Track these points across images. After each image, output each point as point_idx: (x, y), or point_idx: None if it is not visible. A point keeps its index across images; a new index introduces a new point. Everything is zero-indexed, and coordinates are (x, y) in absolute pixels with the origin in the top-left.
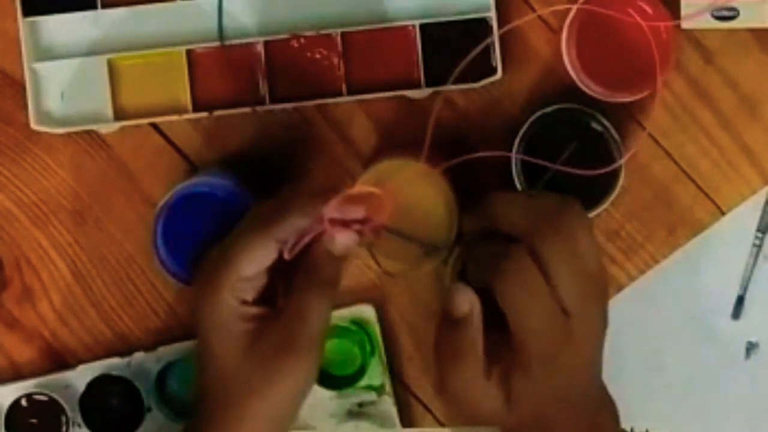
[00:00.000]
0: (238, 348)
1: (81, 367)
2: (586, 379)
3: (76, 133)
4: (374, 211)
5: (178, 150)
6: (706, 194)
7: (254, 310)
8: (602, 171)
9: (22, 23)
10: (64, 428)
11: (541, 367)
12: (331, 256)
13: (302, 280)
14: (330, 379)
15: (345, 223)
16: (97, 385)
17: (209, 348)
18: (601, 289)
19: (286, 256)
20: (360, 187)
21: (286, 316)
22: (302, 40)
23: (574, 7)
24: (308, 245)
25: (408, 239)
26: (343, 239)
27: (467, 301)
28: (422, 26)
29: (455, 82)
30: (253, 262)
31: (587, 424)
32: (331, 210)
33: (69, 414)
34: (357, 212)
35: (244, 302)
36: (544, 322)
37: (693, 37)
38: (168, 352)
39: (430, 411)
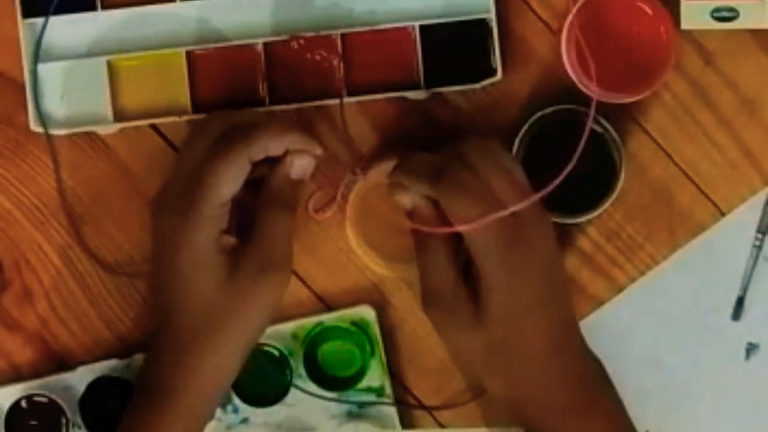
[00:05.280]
0: (218, 279)
1: (81, 369)
2: (545, 281)
3: (75, 134)
4: None
5: (178, 151)
6: (706, 195)
7: (231, 240)
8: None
9: (22, 24)
10: (63, 430)
11: (497, 264)
12: (289, 181)
13: (265, 207)
14: (330, 381)
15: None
16: (97, 386)
17: (187, 285)
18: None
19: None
20: None
21: (257, 240)
22: (302, 42)
23: (574, 8)
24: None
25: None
26: (302, 162)
27: (407, 197)
28: (422, 27)
29: (455, 83)
30: (231, 183)
31: (553, 334)
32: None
33: (69, 415)
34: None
35: (222, 232)
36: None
37: (693, 37)
38: None
39: (429, 412)
